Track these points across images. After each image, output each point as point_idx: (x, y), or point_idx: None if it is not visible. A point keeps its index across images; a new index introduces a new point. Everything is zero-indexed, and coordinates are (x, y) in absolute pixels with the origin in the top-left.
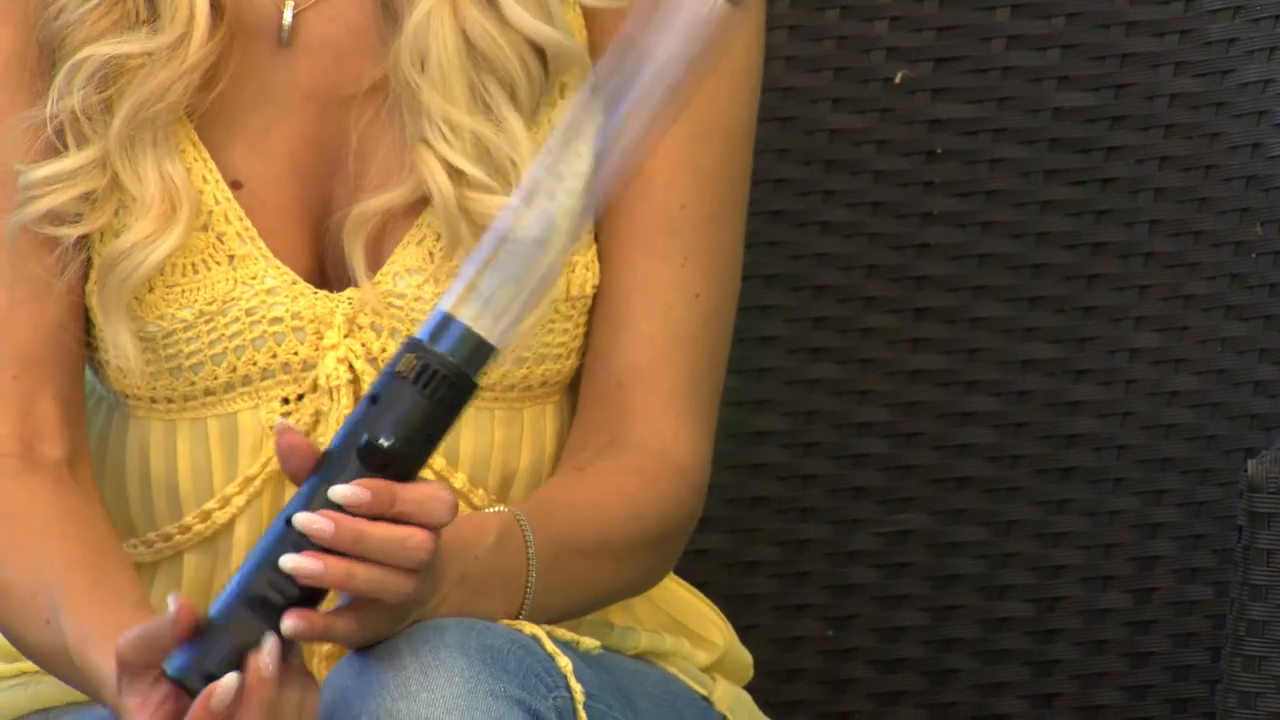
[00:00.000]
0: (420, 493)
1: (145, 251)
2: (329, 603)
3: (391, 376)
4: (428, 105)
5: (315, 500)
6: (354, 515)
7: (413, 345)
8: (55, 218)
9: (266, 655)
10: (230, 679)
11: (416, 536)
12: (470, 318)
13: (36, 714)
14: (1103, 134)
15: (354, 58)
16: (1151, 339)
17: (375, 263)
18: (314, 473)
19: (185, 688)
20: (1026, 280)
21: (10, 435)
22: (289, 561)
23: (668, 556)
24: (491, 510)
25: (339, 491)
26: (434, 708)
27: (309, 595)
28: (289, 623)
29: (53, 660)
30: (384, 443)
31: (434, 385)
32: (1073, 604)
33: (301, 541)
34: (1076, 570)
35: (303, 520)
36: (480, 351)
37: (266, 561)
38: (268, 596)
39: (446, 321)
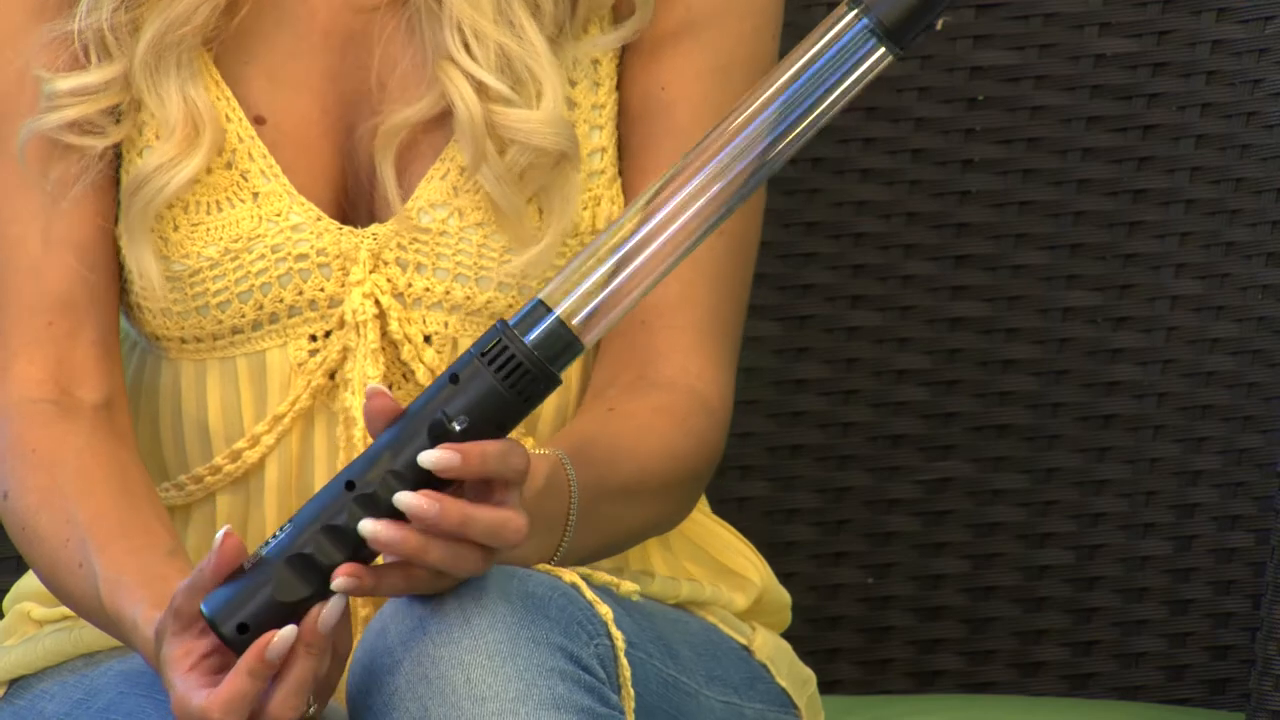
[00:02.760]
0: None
1: (169, 174)
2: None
3: (474, 357)
4: (454, 13)
5: (377, 466)
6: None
7: (501, 329)
8: (79, 128)
9: (330, 611)
10: (289, 632)
11: (515, 521)
12: (565, 312)
13: (81, 658)
14: (1144, 80)
15: None
16: (1192, 286)
17: (401, 195)
18: (377, 439)
19: (217, 630)
20: (1067, 227)
21: (47, 380)
22: (368, 526)
23: (696, 493)
24: (539, 453)
25: (429, 457)
26: (476, 654)
27: (354, 559)
28: (341, 580)
29: (85, 605)
30: (456, 427)
31: (515, 376)
32: (1113, 551)
33: (357, 506)
34: (1116, 518)
35: (405, 499)
36: (569, 348)
37: (317, 523)
38: (315, 558)
39: (540, 311)
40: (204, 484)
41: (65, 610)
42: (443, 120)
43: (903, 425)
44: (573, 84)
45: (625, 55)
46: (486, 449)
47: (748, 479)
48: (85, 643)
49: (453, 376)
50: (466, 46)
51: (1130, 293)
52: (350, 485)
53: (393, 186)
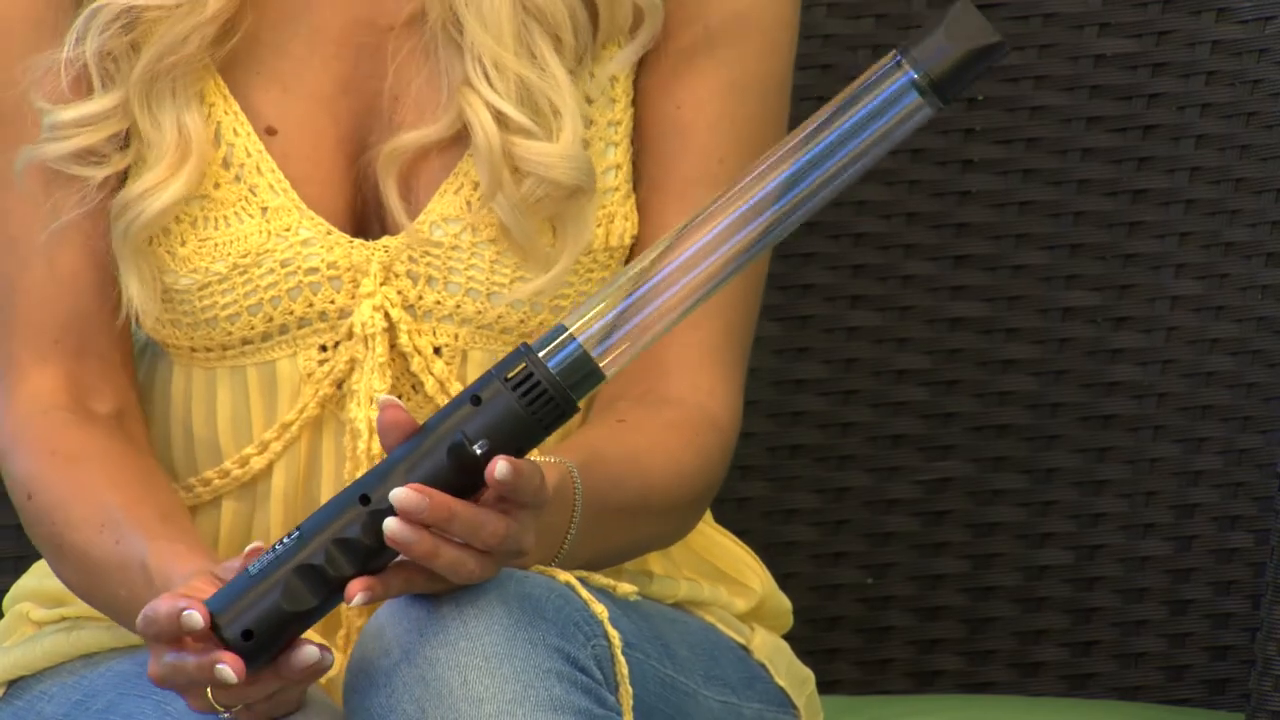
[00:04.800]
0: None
1: (146, 201)
2: None
3: (497, 379)
4: (474, 44)
5: (391, 480)
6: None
7: (525, 352)
8: (80, 158)
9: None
10: (311, 653)
11: (493, 524)
12: (589, 341)
13: (79, 659)
14: (1144, 81)
15: None
16: (1192, 286)
17: (411, 209)
18: (393, 453)
19: (219, 632)
20: (1067, 227)
21: (60, 391)
22: (391, 525)
23: (700, 511)
24: (550, 460)
25: (399, 494)
26: (473, 655)
27: (363, 572)
28: (360, 596)
29: (121, 575)
30: (477, 450)
31: (537, 401)
32: (1112, 552)
33: (370, 521)
34: (1116, 518)
35: (400, 495)
36: (590, 377)
37: (328, 533)
38: (325, 569)
39: (564, 338)
40: (212, 487)
41: (64, 611)
42: (456, 139)
43: (902, 425)
44: (589, 101)
45: (641, 72)
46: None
47: (747, 479)
48: (84, 644)
49: (474, 398)
50: (487, 76)
51: (1130, 293)
52: (365, 499)
53: (397, 205)
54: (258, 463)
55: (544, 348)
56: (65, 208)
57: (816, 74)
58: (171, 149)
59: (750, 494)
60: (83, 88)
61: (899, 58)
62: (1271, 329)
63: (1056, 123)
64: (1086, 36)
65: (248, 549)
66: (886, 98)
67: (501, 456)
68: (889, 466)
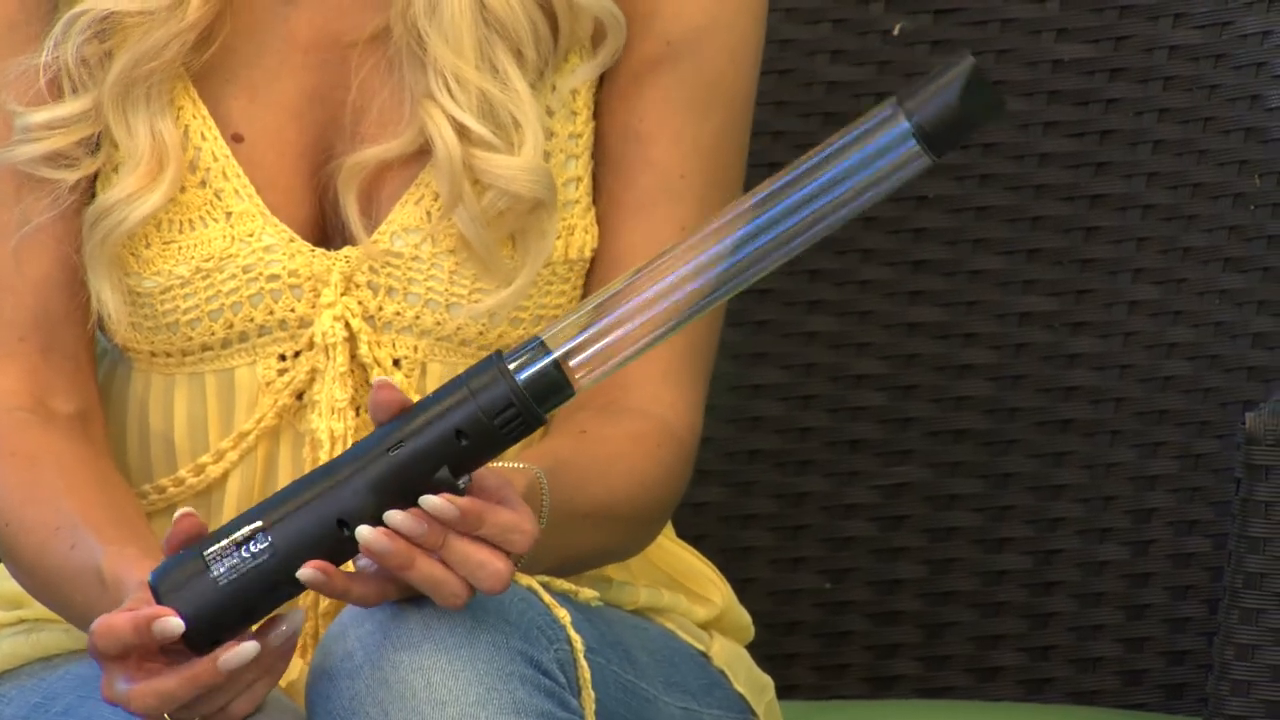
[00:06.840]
0: (506, 519)
1: (128, 208)
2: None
3: (463, 386)
4: (436, 58)
5: (366, 506)
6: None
7: (495, 361)
8: (51, 160)
9: (236, 654)
10: (250, 648)
11: (496, 564)
12: (563, 355)
13: (39, 662)
14: (1101, 86)
15: (356, 7)
16: (1150, 291)
17: (372, 219)
18: (365, 473)
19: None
20: (1024, 233)
21: (22, 391)
22: (365, 532)
23: (660, 524)
24: (516, 466)
25: (430, 501)
26: (437, 658)
27: None
28: (307, 571)
29: (75, 581)
30: (460, 485)
31: (502, 412)
32: (1070, 557)
33: (345, 548)
34: (1074, 523)
35: (396, 518)
36: (559, 391)
37: (302, 556)
38: (292, 588)
39: (538, 350)
40: (166, 495)
41: (23, 613)
42: (419, 153)
43: (860, 430)
44: (550, 113)
45: (603, 85)
46: (486, 515)
47: (705, 484)
48: (43, 646)
49: (457, 431)
50: (449, 89)
51: (1087, 298)
52: (342, 523)
53: (356, 220)
54: (213, 471)
55: (515, 358)
56: (36, 211)
57: (775, 79)
58: (146, 156)
59: (708, 499)
60: (57, 92)
61: (896, 105)
62: (1228, 334)
63: (1014, 128)
64: (1044, 41)
65: (179, 514)
66: (882, 145)
67: (444, 496)
68: (847, 471)
